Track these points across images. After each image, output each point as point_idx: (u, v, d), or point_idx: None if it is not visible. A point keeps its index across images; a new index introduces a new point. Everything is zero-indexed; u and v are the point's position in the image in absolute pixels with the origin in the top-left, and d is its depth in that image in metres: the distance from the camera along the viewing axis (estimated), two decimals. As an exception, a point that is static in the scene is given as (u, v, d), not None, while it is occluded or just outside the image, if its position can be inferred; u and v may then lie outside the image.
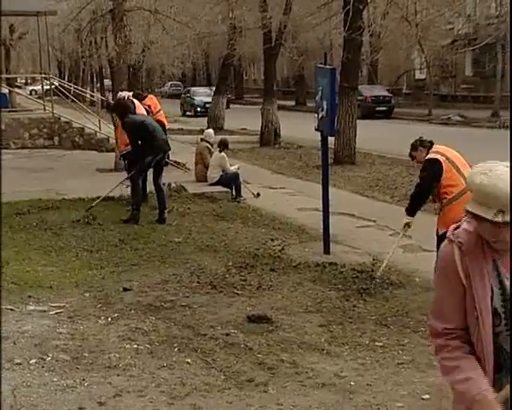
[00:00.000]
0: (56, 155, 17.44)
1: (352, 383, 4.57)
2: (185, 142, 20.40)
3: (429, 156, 6.29)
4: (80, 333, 5.39)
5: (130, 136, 9.69)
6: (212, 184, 12.23)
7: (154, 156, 9.54)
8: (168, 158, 14.29)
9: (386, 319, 5.76)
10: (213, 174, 12.29)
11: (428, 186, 6.33)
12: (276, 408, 4.24)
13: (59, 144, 19.17)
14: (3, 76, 25.46)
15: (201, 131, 17.52)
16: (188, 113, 37.69)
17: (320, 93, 7.95)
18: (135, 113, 10.75)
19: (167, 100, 43.90)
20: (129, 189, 10.15)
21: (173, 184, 11.79)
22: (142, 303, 6.12)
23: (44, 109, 20.10)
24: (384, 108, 33.57)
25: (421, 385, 4.53)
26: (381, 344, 5.24)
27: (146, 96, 14.72)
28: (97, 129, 19.10)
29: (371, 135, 21.02)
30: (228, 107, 31.87)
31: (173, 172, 13.40)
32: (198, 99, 37.60)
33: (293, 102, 43.27)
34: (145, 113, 11.63)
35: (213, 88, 31.14)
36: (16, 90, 28.15)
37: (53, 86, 22.62)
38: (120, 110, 9.90)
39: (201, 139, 13.65)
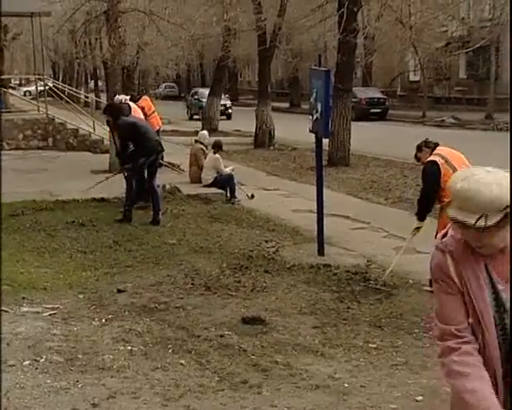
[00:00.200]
0: (50, 156, 17.40)
1: (346, 384, 4.58)
2: (179, 143, 20.39)
3: (429, 159, 6.35)
4: (74, 335, 5.38)
5: (122, 137, 9.73)
6: (206, 186, 12.23)
7: (146, 158, 9.56)
8: (162, 159, 14.31)
9: (380, 321, 5.76)
10: (208, 176, 12.29)
11: (430, 190, 6.39)
12: (270, 410, 4.24)
13: (53, 145, 19.13)
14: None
15: (196, 133, 17.53)
16: (195, 116, 34.85)
17: (314, 95, 7.96)
18: (129, 114, 10.75)
19: (162, 102, 43.84)
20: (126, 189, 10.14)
21: (168, 186, 11.78)
22: (136, 305, 6.11)
23: (38, 110, 20.06)
24: (378, 110, 33.64)
25: (414, 387, 4.54)
26: (374, 346, 5.25)
27: (140, 98, 14.72)
28: (92, 130, 19.07)
29: (365, 137, 21.06)
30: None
31: (168, 173, 13.39)
32: (206, 101, 36.32)
33: (287, 104, 43.34)
34: (142, 115, 11.63)
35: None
36: (10, 91, 28.03)
37: (47, 87, 22.57)
38: (113, 112, 9.91)
39: (196, 141, 13.66)
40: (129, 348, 5.12)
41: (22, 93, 41.79)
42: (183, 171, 14.05)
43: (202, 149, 13.08)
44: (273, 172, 15.67)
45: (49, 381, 4.54)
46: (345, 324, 5.71)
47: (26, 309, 5.94)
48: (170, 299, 6.28)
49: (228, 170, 12.26)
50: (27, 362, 4.81)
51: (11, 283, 6.62)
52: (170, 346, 5.16)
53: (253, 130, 21.82)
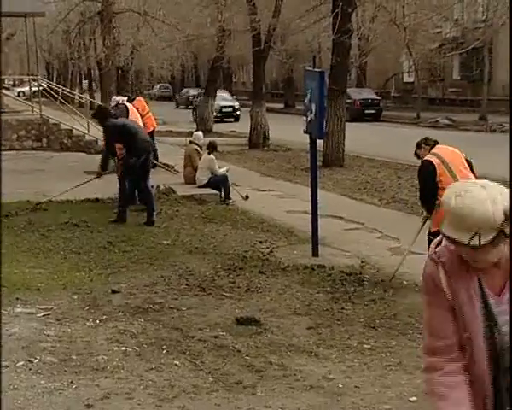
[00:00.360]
0: (44, 156, 17.36)
1: (340, 385, 4.58)
2: (174, 144, 20.38)
3: (425, 158, 6.36)
4: (68, 335, 5.37)
5: (111, 139, 9.77)
6: (200, 187, 12.22)
7: (137, 158, 9.56)
8: (157, 160, 14.30)
9: (375, 322, 5.77)
10: (202, 176, 12.28)
11: (426, 189, 6.40)
12: (264, 410, 4.24)
13: (47, 146, 19.08)
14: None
15: (190, 134, 17.52)
16: None
17: (309, 96, 7.97)
18: (127, 118, 10.76)
19: (156, 102, 43.79)
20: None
21: (162, 187, 11.77)
22: (131, 305, 6.10)
23: (32, 111, 20.01)
24: (372, 112, 33.69)
25: (408, 387, 4.55)
26: (368, 347, 5.26)
27: (134, 99, 14.70)
28: (86, 131, 19.04)
29: (360, 138, 21.09)
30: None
31: (162, 174, 13.38)
32: (215, 104, 33.79)
33: (282, 105, 43.35)
34: (139, 117, 11.62)
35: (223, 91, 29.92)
36: (4, 91, 27.96)
37: (41, 88, 22.52)
38: (101, 115, 9.94)
39: (190, 141, 13.65)
40: (123, 348, 5.11)
41: (16, 94, 41.68)
42: (177, 172, 14.04)
43: (197, 150, 13.07)
44: (267, 173, 15.68)
45: (42, 382, 4.53)
46: (339, 324, 5.72)
47: (19, 310, 5.93)
48: (164, 300, 6.28)
49: (222, 171, 12.26)
50: (21, 363, 4.80)
51: (5, 283, 6.60)
52: (164, 347, 5.16)
53: (248, 131, 21.81)
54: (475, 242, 2.06)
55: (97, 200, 10.87)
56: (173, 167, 14.48)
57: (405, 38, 27.37)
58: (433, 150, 6.41)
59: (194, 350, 5.10)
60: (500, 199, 2.07)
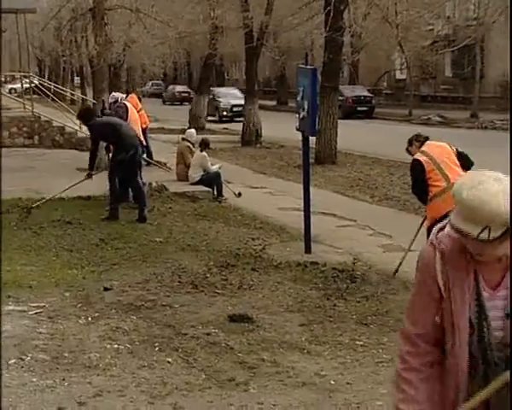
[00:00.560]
0: (36, 153, 17.30)
1: (333, 381, 4.59)
2: (166, 141, 20.34)
3: (414, 156, 6.47)
4: (60, 333, 5.36)
5: (97, 138, 9.81)
6: (193, 184, 12.21)
7: (125, 153, 9.55)
8: (151, 158, 14.28)
9: (367, 319, 5.79)
10: (195, 174, 12.27)
11: (417, 186, 6.52)
12: (256, 407, 4.25)
13: (39, 143, 19.01)
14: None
15: (183, 131, 17.49)
16: (210, 117, 30.87)
17: (301, 93, 7.97)
18: (127, 117, 10.71)
19: (148, 99, 43.70)
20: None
21: (154, 184, 11.75)
22: (123, 303, 6.10)
23: (24, 108, 19.92)
24: (365, 109, 33.73)
25: (400, 383, 4.56)
26: (361, 343, 5.27)
27: (127, 96, 14.66)
28: (78, 128, 18.96)
29: (352, 135, 21.11)
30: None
31: (154, 171, 13.36)
32: (224, 101, 31.96)
33: (274, 102, 43.32)
34: (137, 116, 11.58)
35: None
36: (-4, 88, 27.83)
37: (33, 85, 22.43)
38: (85, 116, 9.93)
39: (183, 139, 13.63)
40: (115, 346, 5.11)
41: (7, 90, 41.47)
42: (169, 169, 14.02)
43: (189, 147, 13.05)
44: (260, 170, 15.68)
45: (34, 379, 4.52)
46: (331, 321, 5.73)
47: (11, 307, 5.91)
48: (156, 297, 6.27)
49: (215, 168, 12.25)
50: (13, 361, 4.79)
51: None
52: (156, 344, 5.16)
53: (241, 128, 21.81)
54: (485, 236, 2.01)
55: (89, 197, 10.84)
56: (165, 164, 14.46)
57: (397, 36, 27.45)
58: (423, 148, 6.50)
59: (186, 347, 5.10)
60: None
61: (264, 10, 20.66)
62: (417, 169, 6.37)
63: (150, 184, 11.48)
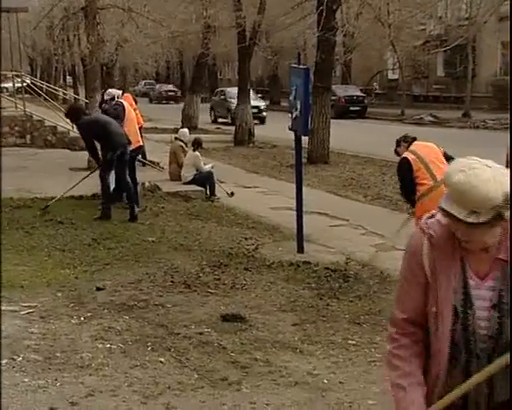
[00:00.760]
0: (28, 153, 17.23)
1: (325, 381, 4.60)
2: (159, 140, 20.32)
3: (402, 155, 6.52)
4: (52, 333, 5.34)
5: (87, 136, 9.76)
6: (186, 183, 12.20)
7: (113, 152, 9.53)
8: (145, 158, 14.25)
9: (359, 318, 5.80)
10: (187, 173, 12.26)
11: (404, 185, 6.57)
12: (249, 407, 4.25)
13: (31, 143, 18.94)
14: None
15: (176, 130, 17.48)
16: (220, 119, 30.76)
17: (294, 93, 7.98)
18: (124, 116, 10.66)
19: (141, 99, 43.56)
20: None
21: (147, 184, 11.73)
22: (116, 303, 6.08)
23: (16, 107, 19.84)
24: (357, 108, 33.82)
25: (393, 382, 4.57)
26: (353, 342, 5.29)
27: (123, 94, 14.61)
28: (70, 127, 18.90)
29: (345, 135, 21.15)
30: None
31: (147, 171, 13.34)
32: (236, 103, 30.95)
33: (267, 102, 43.31)
34: (133, 115, 11.56)
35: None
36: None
37: (24, 84, 22.35)
38: (73, 114, 9.89)
39: (175, 138, 13.63)
40: (108, 346, 5.10)
41: (-1, 90, 41.30)
42: (162, 168, 14.01)
43: (182, 147, 13.05)
44: (253, 170, 15.68)
45: (26, 380, 4.51)
46: (324, 321, 5.74)
47: (3, 307, 5.88)
48: (149, 297, 6.26)
49: (207, 167, 12.24)
50: (4, 361, 4.77)
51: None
52: (149, 344, 5.15)
53: (233, 127, 21.80)
54: (471, 219, 2.04)
55: (81, 197, 10.81)
56: (158, 164, 14.45)
57: (390, 35, 27.51)
58: (411, 147, 6.57)
59: (179, 347, 5.09)
60: (503, 181, 2.05)
61: (257, 10, 20.66)
62: (404, 168, 6.42)
63: (143, 183, 11.45)
